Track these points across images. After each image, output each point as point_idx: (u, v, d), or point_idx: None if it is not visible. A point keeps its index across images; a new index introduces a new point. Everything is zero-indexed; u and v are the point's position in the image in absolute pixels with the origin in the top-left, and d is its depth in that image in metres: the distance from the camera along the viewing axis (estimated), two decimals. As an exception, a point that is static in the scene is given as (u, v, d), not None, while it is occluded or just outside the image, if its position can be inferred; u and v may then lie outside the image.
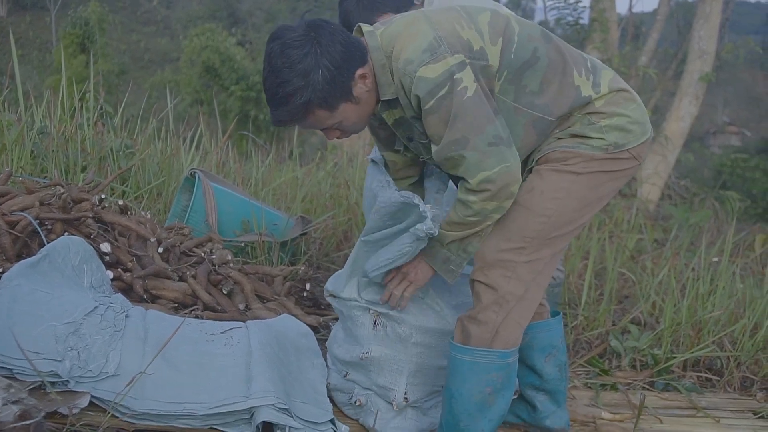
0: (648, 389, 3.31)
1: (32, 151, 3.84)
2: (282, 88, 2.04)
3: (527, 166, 2.28)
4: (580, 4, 10.11)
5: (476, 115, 2.05)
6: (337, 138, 2.27)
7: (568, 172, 2.21)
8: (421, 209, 2.21)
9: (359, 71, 2.11)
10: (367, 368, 2.50)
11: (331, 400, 2.55)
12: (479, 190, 2.09)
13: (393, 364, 2.47)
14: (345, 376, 2.58)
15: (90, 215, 2.85)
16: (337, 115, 2.14)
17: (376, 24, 2.24)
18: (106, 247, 2.79)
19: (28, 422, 1.81)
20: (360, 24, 2.22)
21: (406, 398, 2.46)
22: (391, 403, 2.47)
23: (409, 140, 2.33)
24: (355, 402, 2.54)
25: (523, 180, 2.25)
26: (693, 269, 4.57)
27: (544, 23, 12.18)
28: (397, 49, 2.10)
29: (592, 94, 2.21)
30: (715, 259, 4.76)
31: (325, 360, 2.69)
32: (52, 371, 2.04)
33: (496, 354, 2.24)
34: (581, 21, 10.44)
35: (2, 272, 2.44)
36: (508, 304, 2.22)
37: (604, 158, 2.21)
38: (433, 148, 2.15)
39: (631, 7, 11.62)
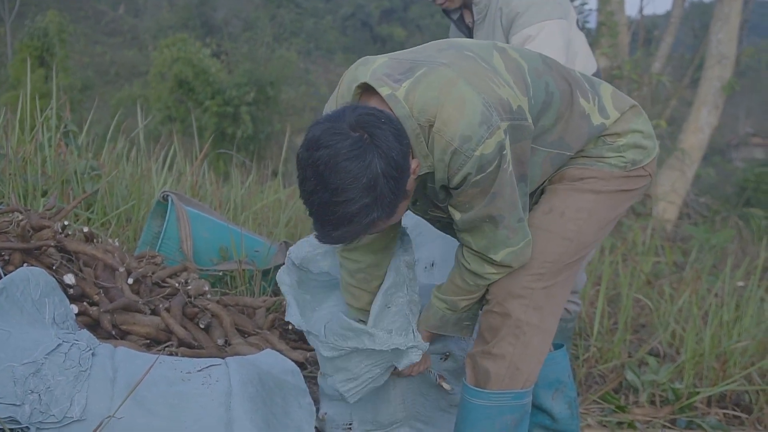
0: (669, 427, 3.31)
1: (-14, 176, 3.84)
2: (344, 207, 1.86)
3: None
4: (587, 7, 10.22)
5: (512, 191, 2.07)
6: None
7: (589, 191, 2.25)
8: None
9: (413, 163, 1.98)
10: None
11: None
12: (502, 265, 2.16)
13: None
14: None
15: (52, 244, 2.85)
16: (394, 218, 2.03)
17: (377, 78, 2.01)
18: (69, 278, 2.79)
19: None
20: (367, 82, 2.02)
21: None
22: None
23: (413, 204, 2.27)
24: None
25: (536, 200, 2.29)
26: (716, 295, 4.58)
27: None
28: (443, 120, 1.95)
29: (604, 122, 2.25)
30: (741, 284, 4.78)
31: (314, 399, 2.69)
32: (10, 417, 2.02)
33: (511, 395, 2.26)
34: (588, 25, 10.54)
35: (-45, 308, 2.43)
36: (525, 335, 2.24)
37: (622, 176, 2.27)
38: (458, 215, 2.11)
39: (642, 9, 11.69)
